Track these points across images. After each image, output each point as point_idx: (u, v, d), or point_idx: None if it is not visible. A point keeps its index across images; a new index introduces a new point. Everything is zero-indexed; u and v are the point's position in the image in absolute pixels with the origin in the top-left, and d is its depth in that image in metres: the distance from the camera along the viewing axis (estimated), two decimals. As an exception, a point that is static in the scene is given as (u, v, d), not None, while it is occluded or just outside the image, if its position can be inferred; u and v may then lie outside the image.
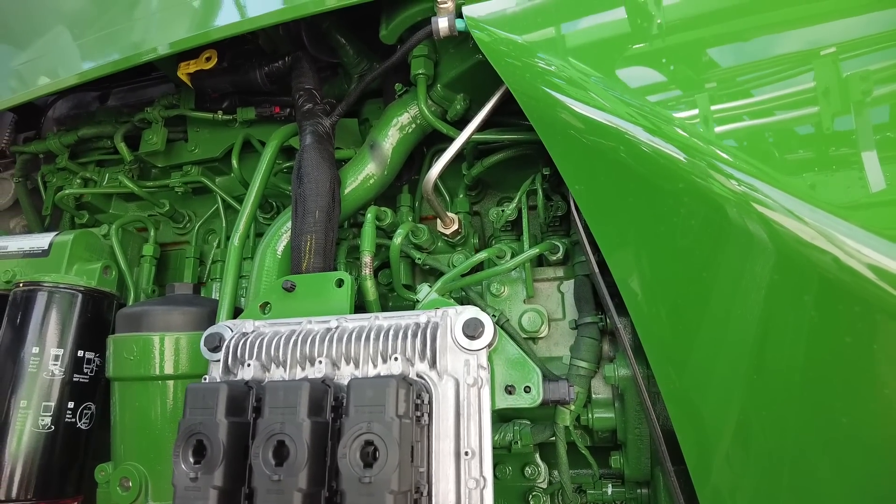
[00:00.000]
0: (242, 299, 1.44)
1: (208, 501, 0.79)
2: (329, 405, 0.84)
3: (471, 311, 0.92)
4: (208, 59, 1.42)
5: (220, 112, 1.57)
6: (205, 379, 1.00)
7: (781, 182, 0.78)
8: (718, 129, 0.83)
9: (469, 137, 1.10)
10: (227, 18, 1.21)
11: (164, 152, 1.66)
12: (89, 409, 1.35)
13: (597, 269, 0.96)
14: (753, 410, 0.85)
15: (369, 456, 0.76)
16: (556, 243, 1.13)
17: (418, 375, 0.90)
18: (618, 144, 0.87)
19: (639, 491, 1.11)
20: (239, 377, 0.96)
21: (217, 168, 1.68)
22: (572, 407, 0.99)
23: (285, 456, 0.78)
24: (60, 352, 1.31)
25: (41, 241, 1.47)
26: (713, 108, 0.84)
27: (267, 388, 0.82)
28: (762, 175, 0.79)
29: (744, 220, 0.79)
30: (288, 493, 0.76)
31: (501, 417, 1.09)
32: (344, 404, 0.86)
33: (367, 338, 0.93)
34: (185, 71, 1.43)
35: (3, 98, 1.54)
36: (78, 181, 1.75)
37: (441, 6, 1.04)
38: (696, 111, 0.84)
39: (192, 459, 0.82)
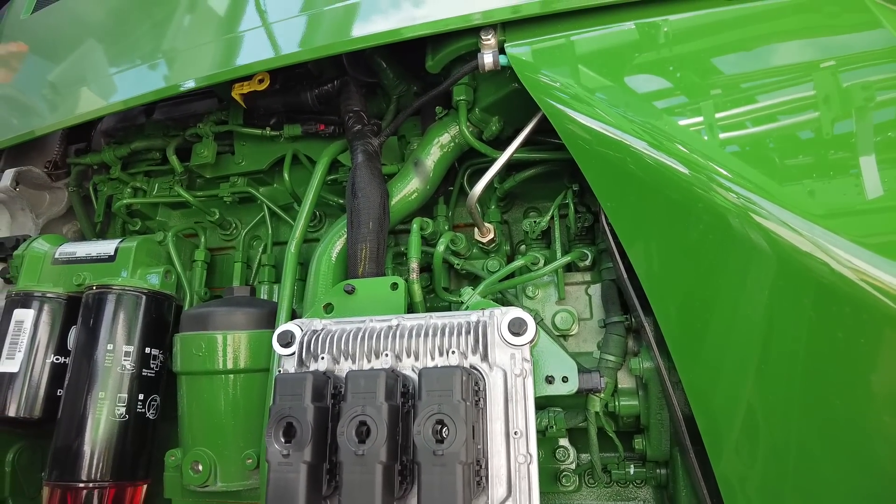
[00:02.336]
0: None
1: (300, 474, 0.92)
2: (399, 391, 0.98)
3: (515, 312, 1.06)
4: (261, 80, 1.55)
5: (267, 128, 1.70)
6: (279, 371, 1.14)
7: (776, 196, 0.90)
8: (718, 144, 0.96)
9: (511, 156, 1.24)
10: (285, 48, 1.34)
11: (212, 164, 1.79)
12: (155, 400, 1.48)
13: (625, 275, 1.10)
14: (759, 404, 0.94)
15: (438, 433, 0.90)
16: (585, 251, 1.28)
17: (472, 367, 1.04)
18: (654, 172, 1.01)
19: (658, 471, 1.25)
20: (312, 369, 1.10)
21: (261, 179, 1.82)
22: (602, 395, 1.13)
23: (365, 434, 0.92)
24: (131, 348, 1.45)
25: (107, 247, 1.60)
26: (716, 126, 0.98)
27: (349, 377, 0.95)
28: (758, 190, 0.91)
29: (745, 230, 0.91)
30: (370, 466, 0.89)
31: (537, 406, 1.23)
32: (411, 391, 1.00)
33: (427, 334, 1.07)
34: (238, 91, 1.57)
35: (58, 119, 1.68)
36: (128, 190, 1.89)
37: (485, 42, 1.18)
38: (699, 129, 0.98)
39: (283, 439, 0.95)
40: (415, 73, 1.61)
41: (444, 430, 0.90)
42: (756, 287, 0.93)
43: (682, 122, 1.01)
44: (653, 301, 1.04)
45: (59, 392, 1.46)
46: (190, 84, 1.40)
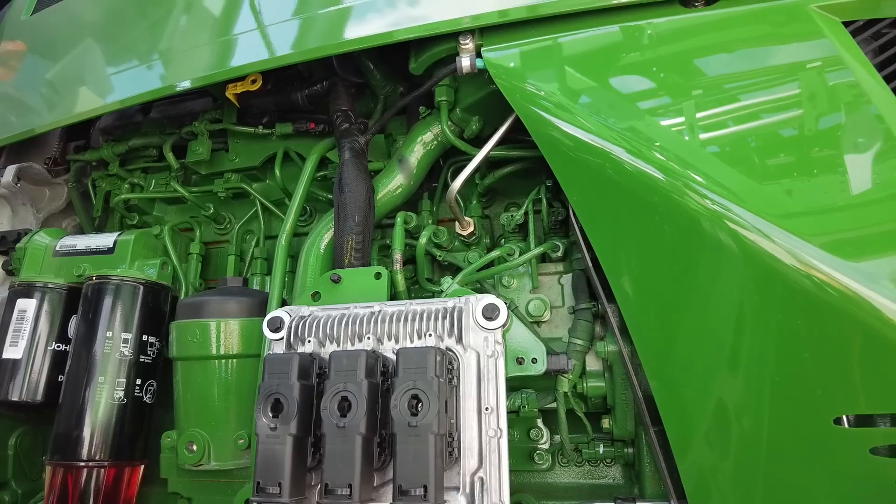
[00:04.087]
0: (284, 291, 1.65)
1: (286, 445, 1.00)
2: (379, 370, 1.06)
3: (489, 298, 1.14)
4: (253, 81, 1.63)
5: (260, 126, 1.78)
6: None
7: (748, 203, 0.96)
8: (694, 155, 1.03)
9: (487, 154, 1.32)
10: (278, 50, 1.42)
11: (207, 161, 1.87)
12: (152, 385, 1.55)
13: (590, 265, 1.18)
14: (730, 398, 1.00)
15: (414, 408, 0.98)
16: (557, 243, 1.36)
17: (448, 349, 1.12)
18: (607, 163, 1.09)
19: (625, 450, 1.33)
20: (299, 352, 1.18)
21: (254, 175, 1.89)
22: (570, 376, 1.21)
23: (347, 409, 1.00)
24: (129, 336, 1.52)
25: (106, 240, 1.67)
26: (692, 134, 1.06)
27: (332, 357, 1.03)
28: (731, 197, 0.97)
29: (716, 233, 0.97)
30: (351, 437, 0.97)
31: (510, 387, 1.31)
32: (390, 370, 1.08)
33: (406, 319, 1.15)
34: (232, 91, 1.64)
35: (57, 118, 1.75)
36: (126, 186, 1.96)
37: (463, 46, 1.26)
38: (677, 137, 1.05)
39: (270, 414, 1.03)
40: (401, 74, 1.69)
41: (419, 404, 0.97)
42: (724, 286, 0.99)
43: (645, 124, 1.09)
44: (617, 293, 1.12)
45: (61, 378, 1.53)
46: (185, 84, 1.48)
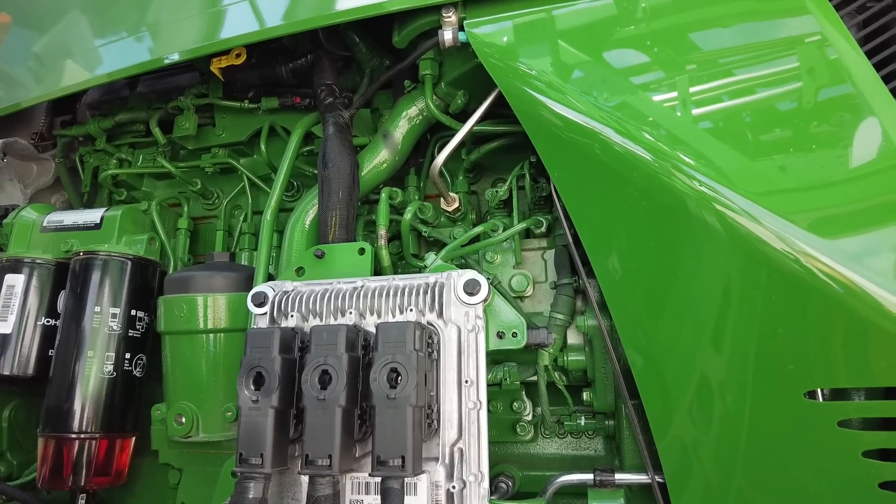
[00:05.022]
0: (270, 267, 1.66)
1: (268, 417, 1.02)
2: (360, 344, 1.07)
3: (470, 274, 1.15)
4: (238, 55, 1.61)
5: (246, 101, 1.76)
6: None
7: (737, 186, 0.95)
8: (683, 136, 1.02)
9: (469, 131, 1.31)
10: (266, 23, 1.39)
11: (194, 136, 1.85)
12: (142, 359, 1.57)
13: (571, 241, 1.19)
14: (709, 373, 1.01)
15: (393, 381, 0.99)
16: (541, 219, 1.36)
17: (429, 323, 1.13)
18: (592, 142, 1.08)
19: (606, 422, 1.35)
20: (282, 326, 1.19)
21: (242, 150, 1.88)
22: (550, 350, 1.23)
23: (328, 382, 1.01)
24: (117, 310, 1.53)
25: (93, 215, 1.68)
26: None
27: (313, 331, 1.05)
28: (720, 178, 0.97)
29: (702, 213, 0.97)
30: (331, 409, 0.99)
31: (494, 361, 1.33)
32: (371, 344, 1.09)
33: (388, 294, 1.16)
34: (217, 66, 1.62)
35: (44, 91, 1.73)
36: (114, 161, 1.94)
37: (446, 19, 1.24)
38: (665, 119, 1.03)
39: (252, 387, 1.05)
40: (388, 47, 1.66)
41: (398, 378, 0.99)
42: (703, 264, 0.99)
43: (623, 96, 1.08)
44: (596, 269, 1.13)
45: (51, 352, 1.55)
46: (174, 57, 1.46)
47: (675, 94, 1.05)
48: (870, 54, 1.01)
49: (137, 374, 1.56)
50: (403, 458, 0.94)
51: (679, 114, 1.03)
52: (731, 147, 0.99)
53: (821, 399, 0.96)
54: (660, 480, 1.14)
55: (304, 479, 1.05)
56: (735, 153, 0.99)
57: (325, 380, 1.02)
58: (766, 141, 0.99)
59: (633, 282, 1.08)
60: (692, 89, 1.03)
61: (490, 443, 1.41)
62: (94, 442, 1.45)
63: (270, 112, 1.76)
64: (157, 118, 1.85)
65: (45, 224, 1.69)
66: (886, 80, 0.98)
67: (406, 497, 1.01)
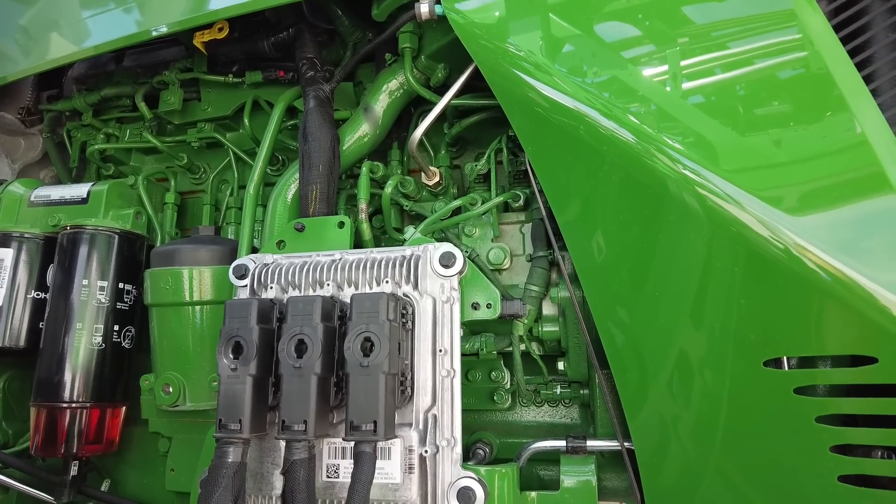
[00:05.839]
0: (255, 240, 1.68)
1: (245, 385, 1.05)
2: (336, 315, 1.10)
3: (446, 247, 1.18)
4: (220, 29, 1.61)
5: (230, 75, 1.76)
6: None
7: (720, 169, 0.96)
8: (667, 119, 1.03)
9: (447, 104, 1.32)
10: None
11: (180, 111, 1.86)
12: (130, 331, 1.60)
13: (545, 215, 1.21)
14: (692, 349, 1.02)
15: (367, 350, 1.02)
16: (518, 193, 1.38)
17: (404, 294, 1.15)
18: (578, 123, 1.08)
19: (581, 391, 1.39)
20: (260, 298, 1.22)
21: (228, 125, 1.89)
22: (525, 321, 1.25)
23: (304, 351, 1.04)
24: (105, 283, 1.56)
25: (80, 190, 1.69)
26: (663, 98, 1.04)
27: (289, 301, 1.07)
28: (702, 160, 0.97)
29: (682, 195, 0.98)
30: (306, 377, 1.02)
31: (472, 331, 1.36)
32: (348, 314, 1.12)
33: (365, 266, 1.18)
34: (200, 40, 1.62)
35: (31, 65, 1.73)
36: (101, 136, 1.96)
37: (423, -8, 1.24)
38: (648, 102, 1.03)
39: (231, 356, 1.08)
40: (370, 20, 1.66)
41: (371, 346, 1.02)
42: (688, 245, 1.00)
43: (593, 78, 1.09)
44: (569, 243, 1.15)
45: (41, 325, 1.58)
46: (162, 30, 1.46)
47: (653, 70, 1.05)
48: (838, 28, 1.02)
49: (126, 346, 1.59)
50: (375, 423, 0.97)
51: (656, 89, 1.04)
52: (709, 124, 1.00)
53: (786, 368, 0.98)
54: (629, 447, 1.18)
55: (283, 444, 1.09)
56: (712, 130, 1.00)
57: (301, 349, 1.05)
58: (738, 120, 1.00)
59: (608, 259, 1.10)
60: (674, 65, 1.04)
61: (468, 411, 1.47)
62: (85, 411, 1.49)
63: (255, 86, 1.77)
64: (142, 93, 1.86)
65: (32, 199, 1.71)
66: (857, 61, 0.99)
67: (380, 461, 1.05)
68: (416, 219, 1.59)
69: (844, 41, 1.00)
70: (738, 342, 0.98)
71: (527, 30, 1.17)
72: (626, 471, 1.18)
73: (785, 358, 0.98)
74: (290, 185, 1.47)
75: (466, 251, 1.38)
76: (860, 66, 1.00)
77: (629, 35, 1.11)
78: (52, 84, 2.12)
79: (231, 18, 1.63)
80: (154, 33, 1.52)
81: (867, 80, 0.98)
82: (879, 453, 0.95)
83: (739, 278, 0.96)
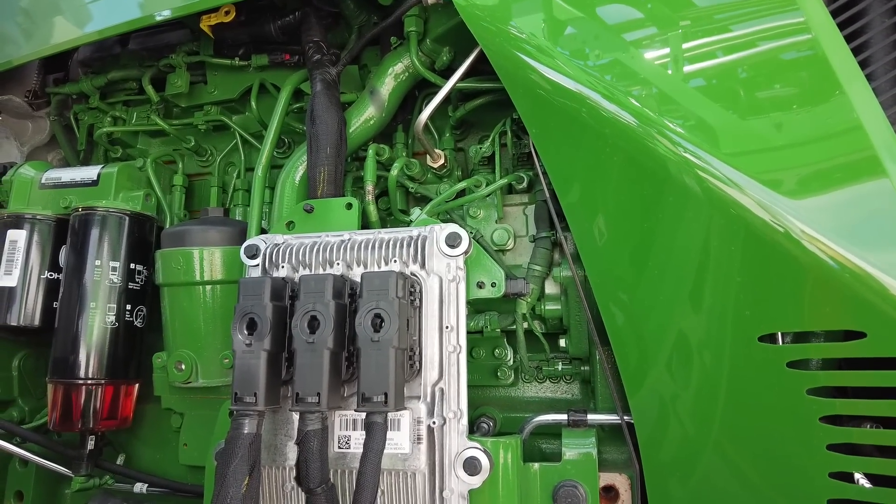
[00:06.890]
0: (263, 221, 1.71)
1: (260, 360, 1.09)
2: (346, 293, 1.14)
3: (452, 227, 1.21)
4: (227, 12, 1.62)
5: (236, 59, 1.78)
6: (246, 279, 1.29)
7: (720, 152, 0.99)
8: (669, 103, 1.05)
9: (452, 87, 1.34)
10: None
11: (187, 94, 1.88)
12: (142, 310, 1.64)
13: (549, 196, 1.24)
14: (691, 328, 1.06)
15: (378, 326, 1.06)
16: (522, 175, 1.41)
17: (412, 273, 1.19)
18: (580, 106, 1.11)
19: (582, 368, 1.43)
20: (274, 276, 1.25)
21: (234, 108, 1.91)
22: (528, 299, 1.29)
23: (316, 327, 1.08)
24: (117, 264, 1.59)
25: (90, 172, 1.72)
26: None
27: (302, 280, 1.11)
28: (703, 144, 1.00)
29: (683, 177, 1.01)
30: (319, 351, 1.06)
31: (477, 310, 1.40)
32: (358, 292, 1.16)
33: (373, 246, 1.22)
34: (206, 23, 1.63)
35: (35, 49, 1.75)
36: (108, 119, 1.98)
37: (428, -24, 1.26)
38: (650, 85, 1.06)
39: (246, 332, 1.12)
40: (375, 4, 1.68)
41: (381, 322, 1.06)
42: (687, 226, 1.03)
43: (597, 60, 1.12)
44: (571, 223, 1.18)
45: (55, 304, 1.62)
46: (166, 14, 1.48)
47: (654, 53, 1.07)
48: (836, 14, 1.05)
49: (138, 325, 1.63)
50: (386, 394, 1.02)
51: (658, 72, 1.06)
52: (710, 107, 1.03)
53: (780, 343, 1.02)
54: (629, 421, 1.22)
55: (296, 416, 1.13)
56: (713, 113, 1.03)
57: (313, 325, 1.08)
58: (739, 104, 1.03)
59: (610, 240, 1.13)
60: (675, 48, 1.06)
61: (473, 386, 1.51)
62: (100, 388, 1.54)
63: (261, 69, 1.79)
64: (149, 76, 1.88)
65: (43, 181, 1.74)
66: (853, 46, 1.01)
67: (390, 432, 1.09)
68: (422, 200, 1.62)
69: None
70: (735, 318, 1.02)
71: (530, 12, 1.19)
72: (625, 444, 1.22)
73: (779, 333, 1.02)
74: (297, 168, 1.50)
75: (471, 232, 1.41)
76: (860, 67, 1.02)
77: (631, 18, 1.13)
78: (58, 67, 2.13)
79: (237, 2, 1.65)
80: (158, 17, 1.54)
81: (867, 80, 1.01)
82: (869, 425, 1.00)
83: (738, 259, 1.00)
